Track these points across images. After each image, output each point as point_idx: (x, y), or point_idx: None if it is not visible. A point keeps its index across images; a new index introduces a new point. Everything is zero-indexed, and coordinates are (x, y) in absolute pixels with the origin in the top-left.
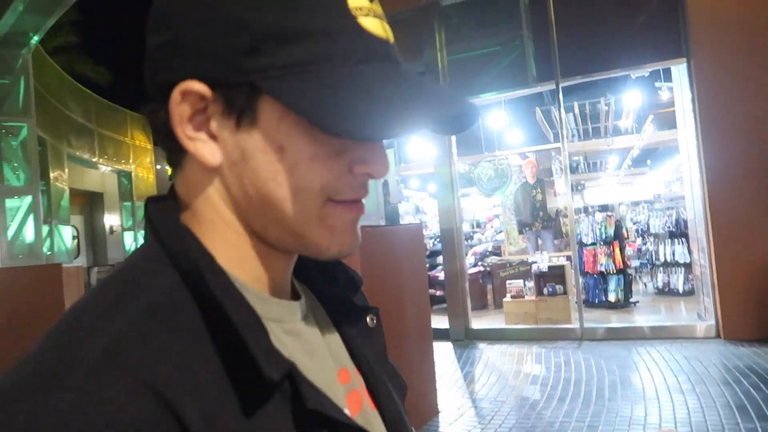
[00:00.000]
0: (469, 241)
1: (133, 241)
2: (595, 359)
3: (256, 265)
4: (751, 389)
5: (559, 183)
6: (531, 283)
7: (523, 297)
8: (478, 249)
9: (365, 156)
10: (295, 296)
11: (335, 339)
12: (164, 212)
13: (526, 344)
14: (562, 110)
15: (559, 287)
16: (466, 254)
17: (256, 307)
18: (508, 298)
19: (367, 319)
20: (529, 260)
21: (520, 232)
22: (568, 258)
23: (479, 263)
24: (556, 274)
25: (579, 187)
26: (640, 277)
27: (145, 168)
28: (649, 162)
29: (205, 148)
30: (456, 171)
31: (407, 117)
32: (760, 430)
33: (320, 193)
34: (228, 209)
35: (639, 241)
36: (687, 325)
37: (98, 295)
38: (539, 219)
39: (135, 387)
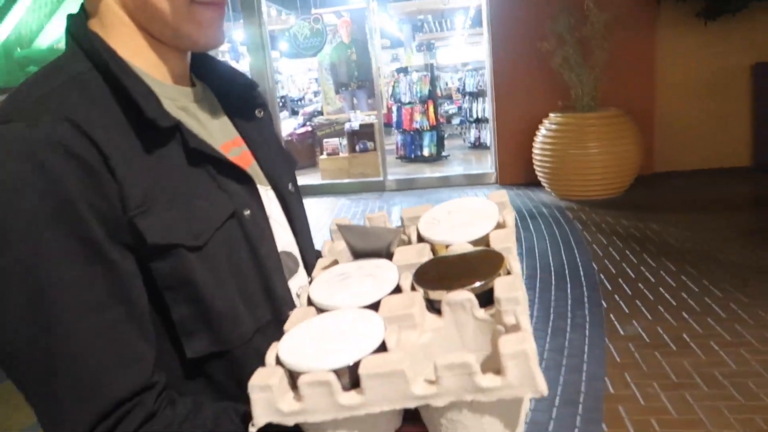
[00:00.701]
0: (301, 102)
1: None
2: (389, 206)
3: (151, 57)
4: None
5: (371, 43)
6: (345, 141)
7: (338, 154)
8: (308, 109)
9: None
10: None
11: (225, 121)
12: (77, 22)
13: (337, 197)
14: None
15: (370, 144)
16: (297, 115)
17: (152, 87)
18: (323, 156)
19: (256, 112)
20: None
21: (337, 92)
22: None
23: (307, 123)
24: (367, 132)
25: (427, 47)
26: (461, 133)
27: None
28: None
29: None
30: (266, 30)
31: None
32: None
33: None
34: (123, 12)
35: (461, 99)
36: (477, 173)
37: (34, 75)
38: (355, 79)
39: (59, 119)
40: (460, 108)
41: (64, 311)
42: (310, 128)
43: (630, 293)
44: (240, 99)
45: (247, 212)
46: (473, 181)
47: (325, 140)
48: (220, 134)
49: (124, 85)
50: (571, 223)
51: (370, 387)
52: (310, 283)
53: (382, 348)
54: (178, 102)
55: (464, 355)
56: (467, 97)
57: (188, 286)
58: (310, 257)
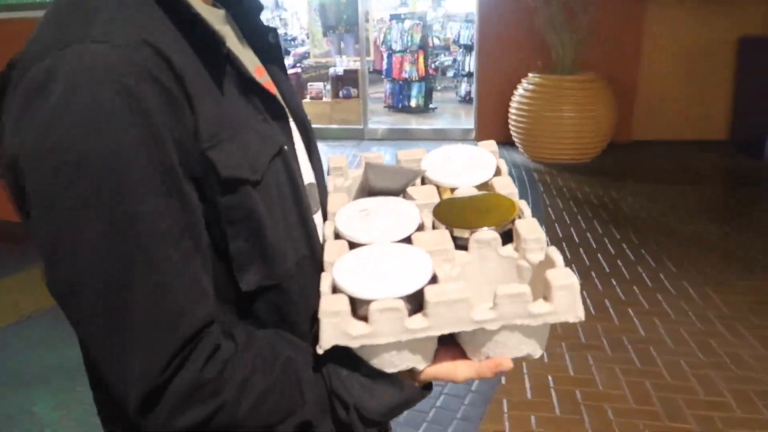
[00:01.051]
0: (294, 42)
1: None
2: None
3: None
4: None
5: None
6: (329, 86)
7: (322, 99)
8: (299, 50)
9: None
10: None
11: (248, 48)
12: None
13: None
14: None
15: (353, 90)
16: (289, 55)
17: (198, 10)
18: (307, 99)
19: (269, 37)
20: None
21: (325, 35)
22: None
23: (297, 65)
24: (351, 78)
25: None
26: (455, 86)
27: None
28: None
29: None
30: None
31: None
32: None
33: None
34: None
35: (457, 51)
36: (457, 129)
37: None
38: (343, 22)
39: (137, 42)
40: (455, 60)
41: (146, 244)
42: (299, 70)
43: (569, 257)
44: (254, 22)
45: (286, 147)
46: (453, 136)
47: (309, 83)
48: (249, 63)
49: (190, 7)
50: (535, 184)
51: (436, 313)
52: (325, 217)
53: (433, 279)
54: (217, 26)
55: (521, 286)
56: (461, 49)
57: (250, 220)
58: (323, 188)
